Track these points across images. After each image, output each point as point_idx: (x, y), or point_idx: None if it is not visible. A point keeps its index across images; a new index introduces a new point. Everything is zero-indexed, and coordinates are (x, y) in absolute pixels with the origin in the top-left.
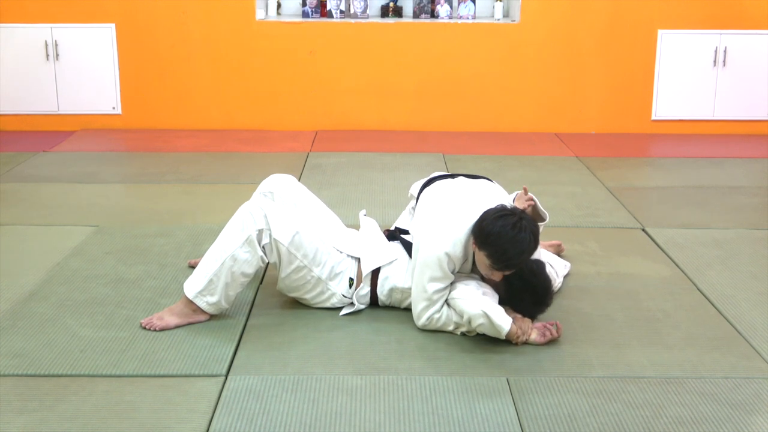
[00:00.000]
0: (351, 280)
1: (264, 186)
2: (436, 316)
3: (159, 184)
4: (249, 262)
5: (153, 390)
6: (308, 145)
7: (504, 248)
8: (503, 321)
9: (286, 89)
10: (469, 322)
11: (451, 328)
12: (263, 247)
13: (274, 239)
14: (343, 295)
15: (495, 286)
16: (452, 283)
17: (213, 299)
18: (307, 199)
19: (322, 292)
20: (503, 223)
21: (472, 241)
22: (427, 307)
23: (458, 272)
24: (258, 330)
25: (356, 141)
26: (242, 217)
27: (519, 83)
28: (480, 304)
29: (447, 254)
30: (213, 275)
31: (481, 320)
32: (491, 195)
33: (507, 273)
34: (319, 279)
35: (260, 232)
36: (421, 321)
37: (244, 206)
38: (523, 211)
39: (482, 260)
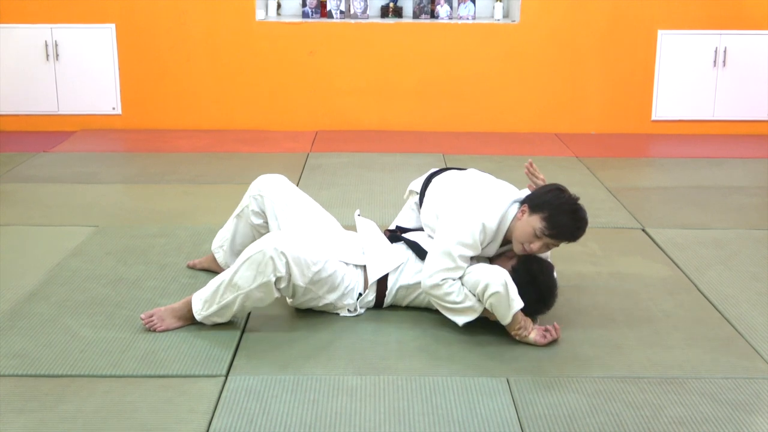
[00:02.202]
0: (359, 294)
1: (254, 188)
2: (451, 281)
3: (159, 184)
4: (262, 299)
5: (153, 390)
6: (308, 145)
7: (563, 216)
8: (517, 299)
9: (286, 89)
10: (484, 290)
11: (459, 299)
12: (279, 288)
13: (293, 284)
14: (349, 310)
15: None
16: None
17: (220, 320)
18: (299, 202)
19: (332, 308)
20: (568, 196)
21: (519, 209)
22: (447, 270)
23: (479, 254)
24: (258, 330)
25: (356, 141)
26: (263, 261)
27: (519, 83)
28: (504, 274)
29: (483, 224)
30: (225, 306)
31: (500, 288)
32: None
33: (546, 248)
34: (331, 303)
35: (279, 279)
36: (432, 279)
37: (267, 247)
38: None
39: (529, 226)
